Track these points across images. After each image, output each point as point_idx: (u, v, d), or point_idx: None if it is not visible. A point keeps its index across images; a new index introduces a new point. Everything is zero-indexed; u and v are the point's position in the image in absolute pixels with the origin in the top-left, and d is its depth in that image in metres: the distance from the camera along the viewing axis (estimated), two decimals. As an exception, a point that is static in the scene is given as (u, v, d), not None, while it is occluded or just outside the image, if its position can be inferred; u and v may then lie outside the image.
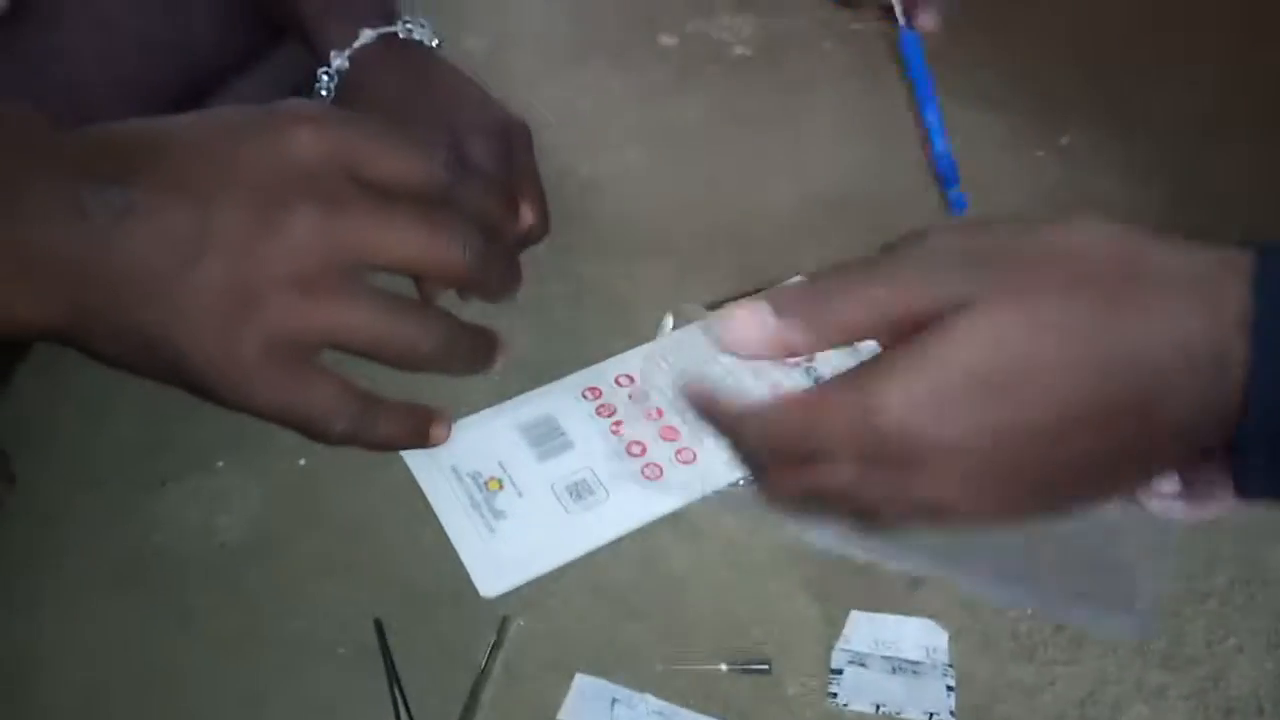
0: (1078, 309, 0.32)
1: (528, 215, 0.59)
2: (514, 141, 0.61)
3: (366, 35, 0.60)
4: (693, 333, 0.69)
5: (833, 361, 0.67)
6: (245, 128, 0.35)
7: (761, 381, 0.67)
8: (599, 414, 0.66)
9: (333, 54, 0.60)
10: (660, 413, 0.65)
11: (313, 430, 0.36)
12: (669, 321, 0.69)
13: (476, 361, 0.38)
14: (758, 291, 0.36)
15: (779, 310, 0.34)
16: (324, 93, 0.62)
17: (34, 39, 0.64)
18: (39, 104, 0.64)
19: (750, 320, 0.35)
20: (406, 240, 0.35)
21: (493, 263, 0.37)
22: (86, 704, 0.54)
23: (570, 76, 0.92)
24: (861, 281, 0.34)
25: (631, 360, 0.69)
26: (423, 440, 0.39)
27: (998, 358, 0.32)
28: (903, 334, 0.33)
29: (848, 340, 0.35)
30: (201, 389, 0.35)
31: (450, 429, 0.40)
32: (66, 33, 0.65)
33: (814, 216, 0.78)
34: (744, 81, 0.91)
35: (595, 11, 0.99)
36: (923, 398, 0.32)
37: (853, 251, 0.36)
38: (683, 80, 0.91)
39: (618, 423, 0.65)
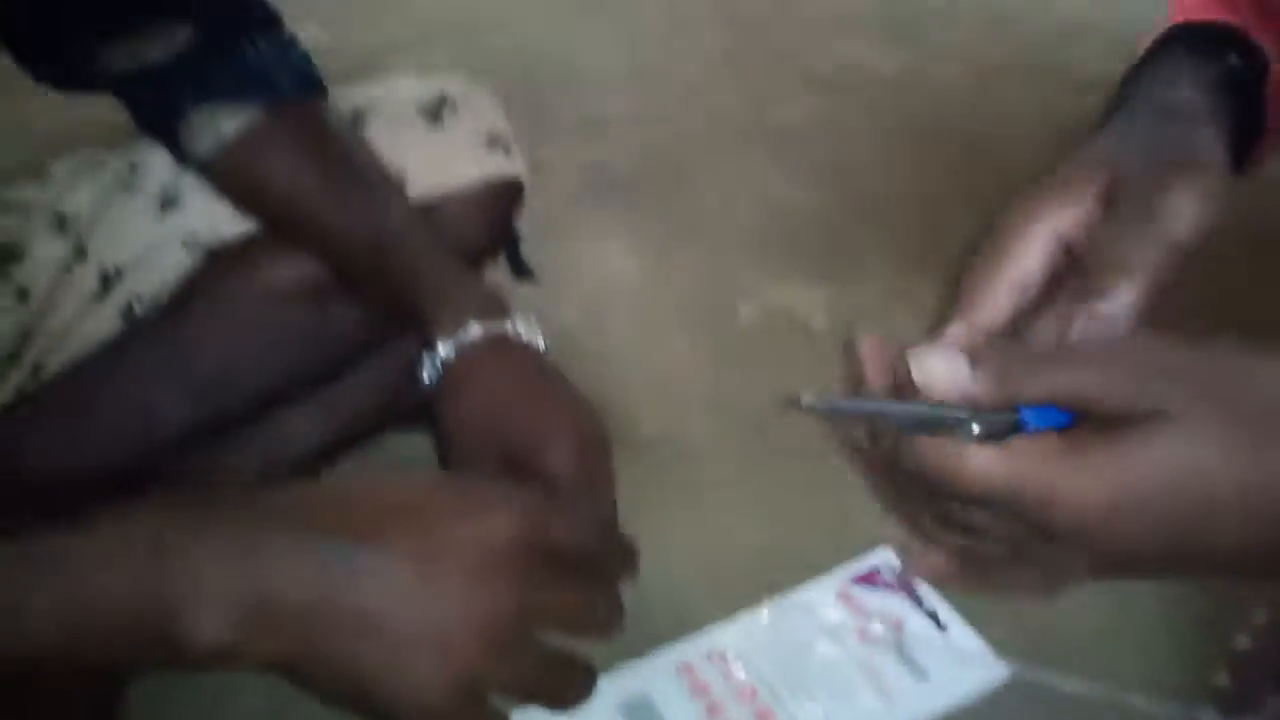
0: (1267, 449, 0.33)
1: (637, 570, 0.62)
2: (592, 452, 0.61)
3: (475, 331, 0.62)
4: (788, 612, 0.72)
5: (920, 633, 0.69)
6: (458, 507, 0.43)
7: (851, 659, 0.69)
8: (695, 695, 0.68)
9: (440, 342, 0.62)
10: (754, 692, 0.67)
11: None
12: (765, 613, 0.72)
13: (587, 699, 0.45)
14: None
15: (976, 363, 0.36)
16: (426, 374, 0.63)
17: (189, 339, 0.72)
18: (193, 396, 0.71)
19: (946, 365, 0.36)
20: (574, 610, 0.44)
21: (619, 616, 0.45)
22: None
23: (655, 344, 0.98)
24: (1067, 363, 0.36)
25: (724, 635, 0.71)
26: None
27: (1187, 474, 0.33)
28: (1090, 415, 0.35)
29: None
30: (388, 718, 0.41)
31: None
32: (220, 332, 0.72)
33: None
34: (817, 354, 0.96)
35: (684, 279, 1.06)
36: (1109, 501, 0.34)
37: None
38: (757, 351, 0.97)
39: (713, 705, 0.67)
